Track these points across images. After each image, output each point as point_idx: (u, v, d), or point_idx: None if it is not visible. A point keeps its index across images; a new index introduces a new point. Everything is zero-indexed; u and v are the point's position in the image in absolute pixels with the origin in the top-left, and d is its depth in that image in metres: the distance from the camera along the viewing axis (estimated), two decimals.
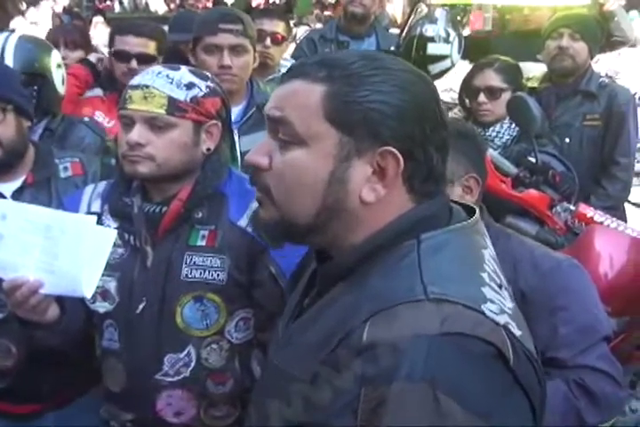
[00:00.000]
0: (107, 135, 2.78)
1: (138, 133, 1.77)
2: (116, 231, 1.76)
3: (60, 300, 1.77)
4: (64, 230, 1.67)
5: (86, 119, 2.87)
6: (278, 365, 1.10)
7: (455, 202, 1.15)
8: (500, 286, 1.04)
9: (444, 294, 0.96)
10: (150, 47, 3.16)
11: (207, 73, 1.96)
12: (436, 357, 0.91)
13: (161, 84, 1.78)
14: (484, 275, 1.03)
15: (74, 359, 2.09)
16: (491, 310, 0.97)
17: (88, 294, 1.69)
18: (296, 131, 1.04)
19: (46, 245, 1.67)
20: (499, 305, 1.00)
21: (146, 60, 3.10)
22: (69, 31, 3.82)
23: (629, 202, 3.79)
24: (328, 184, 1.04)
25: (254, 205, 1.82)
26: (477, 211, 1.12)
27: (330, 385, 0.96)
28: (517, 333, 0.99)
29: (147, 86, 1.78)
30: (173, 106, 1.78)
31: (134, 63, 3.09)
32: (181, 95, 1.79)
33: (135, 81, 1.82)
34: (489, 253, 1.09)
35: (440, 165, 1.08)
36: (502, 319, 0.98)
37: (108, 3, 23.22)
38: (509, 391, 0.95)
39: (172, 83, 1.79)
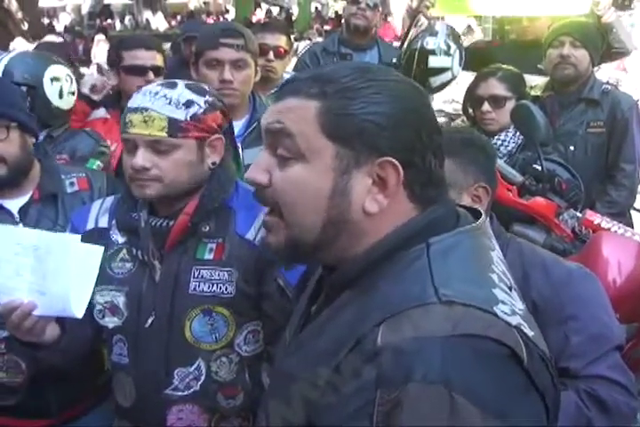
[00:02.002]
0: (103, 141, 2.82)
1: (142, 157, 1.76)
2: (102, 248, 1.74)
3: (61, 319, 1.77)
4: (49, 250, 1.66)
5: (88, 129, 2.90)
6: (286, 372, 1.11)
7: (461, 206, 1.16)
8: (509, 288, 1.05)
9: (456, 297, 0.97)
10: (159, 60, 3.21)
11: (205, 86, 1.95)
12: (450, 358, 0.91)
13: (159, 105, 1.76)
14: (494, 276, 1.04)
15: (83, 375, 2.08)
16: (503, 311, 0.98)
17: (79, 314, 1.68)
18: (297, 145, 1.05)
19: (36, 267, 1.67)
20: (510, 306, 1.00)
21: (159, 72, 3.16)
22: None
23: (635, 209, 3.77)
24: (330, 198, 1.05)
25: (262, 217, 1.84)
26: (483, 213, 1.13)
27: (344, 389, 0.97)
28: (530, 333, 1.00)
29: (145, 109, 1.76)
30: (174, 127, 1.76)
31: (152, 75, 3.12)
32: (181, 115, 1.77)
33: (134, 103, 1.80)
34: (497, 254, 1.10)
35: (438, 170, 1.09)
36: (514, 320, 0.98)
37: (110, 21, 23.44)
38: (524, 391, 0.95)
39: (170, 103, 1.77)
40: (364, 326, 0.99)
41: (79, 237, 1.70)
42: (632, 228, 3.22)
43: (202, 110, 1.81)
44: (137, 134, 1.77)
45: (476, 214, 1.13)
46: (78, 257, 1.67)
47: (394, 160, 1.03)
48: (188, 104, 1.79)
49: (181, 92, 1.81)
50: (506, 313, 0.98)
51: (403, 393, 0.91)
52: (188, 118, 1.78)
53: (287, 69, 3.76)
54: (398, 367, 0.92)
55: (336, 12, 21.14)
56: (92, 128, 2.99)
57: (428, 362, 0.91)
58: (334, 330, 1.04)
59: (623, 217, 3.46)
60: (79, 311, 1.67)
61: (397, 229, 1.06)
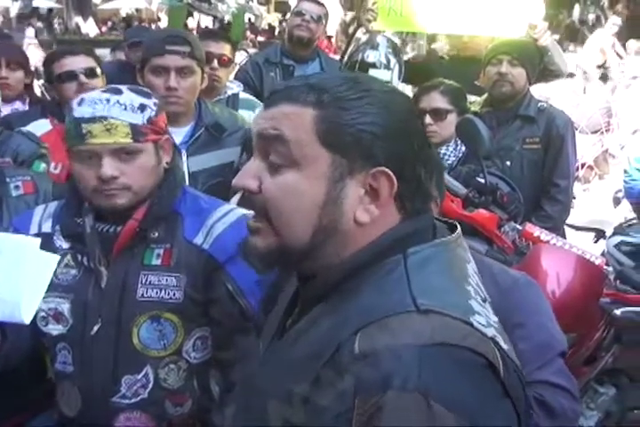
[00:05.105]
0: (42, 142, 2.73)
1: (110, 166, 1.73)
2: (58, 257, 1.70)
3: (1, 325, 1.72)
4: (3, 252, 1.61)
5: (23, 130, 2.80)
6: (260, 384, 1.10)
7: (437, 219, 1.17)
8: (484, 300, 1.07)
9: (434, 306, 0.98)
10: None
11: (146, 89, 1.94)
12: (427, 366, 0.92)
13: (117, 112, 1.74)
14: (470, 288, 1.05)
15: (23, 384, 2.02)
16: (479, 322, 0.99)
17: (26, 320, 1.63)
18: (290, 151, 1.04)
19: None
20: (485, 318, 1.02)
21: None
22: (10, 51, 3.71)
23: (567, 225, 3.87)
24: (323, 206, 1.04)
25: (210, 221, 1.84)
26: (458, 226, 1.14)
27: (322, 396, 0.97)
28: (505, 346, 1.01)
29: (104, 118, 1.72)
30: (136, 132, 1.75)
31: (84, 78, 3.01)
32: (139, 119, 1.76)
33: (86, 113, 1.73)
34: (472, 266, 1.11)
35: (427, 183, 1.09)
36: (490, 332, 1.00)
37: (39, 24, 22.89)
38: (499, 401, 0.97)
39: (126, 109, 1.75)
40: (341, 333, 0.99)
41: (39, 240, 1.65)
42: None
43: (154, 113, 1.80)
44: (101, 144, 1.73)
45: (451, 227, 1.14)
46: (34, 262, 1.62)
47: (388, 171, 1.03)
48: (142, 108, 1.78)
49: (131, 96, 1.79)
50: (482, 324, 1.00)
51: (382, 400, 0.91)
52: (145, 122, 1.77)
53: (230, 78, 3.75)
54: (376, 375, 0.93)
55: (269, 24, 21.20)
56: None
57: (406, 370, 0.92)
58: (312, 339, 1.03)
59: (557, 231, 3.55)
60: (27, 317, 1.62)
61: (377, 239, 1.06)
